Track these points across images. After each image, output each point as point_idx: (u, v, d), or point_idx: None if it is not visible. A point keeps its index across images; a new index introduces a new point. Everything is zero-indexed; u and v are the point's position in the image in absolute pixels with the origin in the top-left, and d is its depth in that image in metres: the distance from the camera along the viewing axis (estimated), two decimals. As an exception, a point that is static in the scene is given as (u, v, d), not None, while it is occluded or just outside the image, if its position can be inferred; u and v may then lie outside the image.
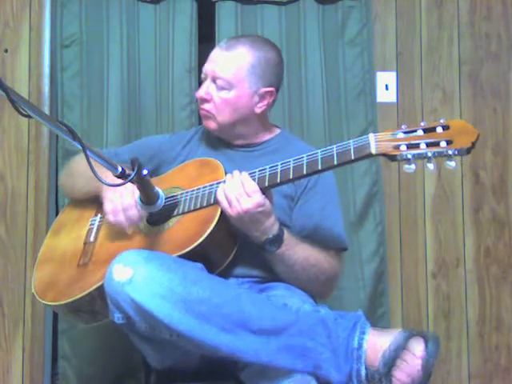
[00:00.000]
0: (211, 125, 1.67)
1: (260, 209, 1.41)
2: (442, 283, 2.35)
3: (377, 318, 2.25)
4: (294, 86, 2.30)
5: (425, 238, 2.36)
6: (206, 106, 1.65)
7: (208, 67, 1.65)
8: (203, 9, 2.32)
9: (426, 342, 1.19)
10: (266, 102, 1.66)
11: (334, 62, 2.33)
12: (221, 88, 1.62)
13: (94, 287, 1.43)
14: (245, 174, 1.45)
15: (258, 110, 1.66)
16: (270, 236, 1.44)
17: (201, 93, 1.65)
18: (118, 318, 1.32)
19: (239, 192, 1.41)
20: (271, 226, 1.44)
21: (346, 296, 2.22)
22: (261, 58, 1.63)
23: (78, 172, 1.70)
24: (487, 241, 2.38)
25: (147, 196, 1.40)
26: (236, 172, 1.46)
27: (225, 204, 1.42)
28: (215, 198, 1.46)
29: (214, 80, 1.63)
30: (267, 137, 1.72)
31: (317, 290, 1.58)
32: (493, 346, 2.35)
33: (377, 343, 1.22)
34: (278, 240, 1.46)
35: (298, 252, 1.49)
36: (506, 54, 2.42)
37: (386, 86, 2.37)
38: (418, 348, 1.19)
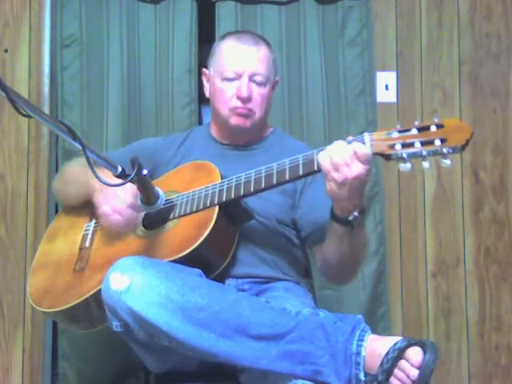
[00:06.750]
0: (247, 123, 1.65)
1: (368, 178, 1.31)
2: (442, 283, 2.35)
3: (377, 318, 2.25)
4: (293, 85, 2.30)
5: (425, 238, 2.35)
6: (249, 105, 1.63)
7: (246, 64, 1.62)
8: (203, 9, 2.32)
9: (424, 352, 1.18)
10: (273, 93, 1.71)
11: (334, 61, 2.33)
12: (260, 84, 1.63)
13: (92, 293, 1.43)
14: (356, 143, 1.32)
15: (271, 102, 1.70)
16: (359, 209, 1.35)
17: (246, 92, 1.60)
18: (116, 325, 1.32)
19: (350, 156, 1.29)
20: (362, 199, 1.36)
21: (346, 296, 2.23)
22: (273, 51, 1.69)
23: (71, 178, 1.70)
24: (487, 241, 2.37)
25: (147, 196, 1.39)
26: (340, 141, 1.34)
27: (329, 168, 1.30)
28: (259, 182, 1.42)
29: (251, 77, 1.62)
30: (265, 133, 1.73)
31: (358, 268, 1.57)
32: (493, 346, 2.35)
33: (376, 350, 1.21)
34: (364, 213, 1.38)
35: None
36: (506, 54, 2.42)
37: (386, 85, 2.37)
38: (415, 357, 1.18)
